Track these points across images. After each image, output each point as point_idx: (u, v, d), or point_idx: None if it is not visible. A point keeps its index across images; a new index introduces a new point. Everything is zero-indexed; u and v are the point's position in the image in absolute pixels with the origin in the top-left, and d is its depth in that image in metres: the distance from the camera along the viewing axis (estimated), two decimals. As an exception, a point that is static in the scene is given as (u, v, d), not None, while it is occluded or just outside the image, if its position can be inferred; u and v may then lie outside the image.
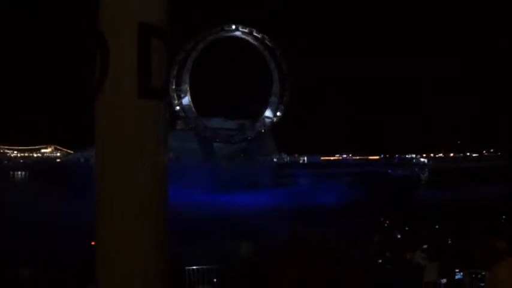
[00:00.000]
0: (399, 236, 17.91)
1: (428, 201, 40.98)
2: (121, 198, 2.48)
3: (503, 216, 24.87)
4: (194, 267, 11.83)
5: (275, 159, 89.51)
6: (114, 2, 2.50)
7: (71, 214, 24.03)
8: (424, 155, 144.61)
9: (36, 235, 20.49)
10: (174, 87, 67.72)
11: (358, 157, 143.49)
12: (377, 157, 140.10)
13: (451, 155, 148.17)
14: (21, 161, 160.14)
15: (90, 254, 2.65)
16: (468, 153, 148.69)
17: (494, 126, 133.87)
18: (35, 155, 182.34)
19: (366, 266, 9.78)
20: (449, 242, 16.59)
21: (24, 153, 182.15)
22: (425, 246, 12.31)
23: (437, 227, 23.23)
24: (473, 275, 10.54)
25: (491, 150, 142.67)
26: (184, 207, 33.76)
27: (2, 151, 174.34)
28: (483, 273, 9.77)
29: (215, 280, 11.47)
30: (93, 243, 2.61)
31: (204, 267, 11.95)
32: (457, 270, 11.38)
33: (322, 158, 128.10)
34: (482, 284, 10.08)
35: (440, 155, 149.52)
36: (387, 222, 25.72)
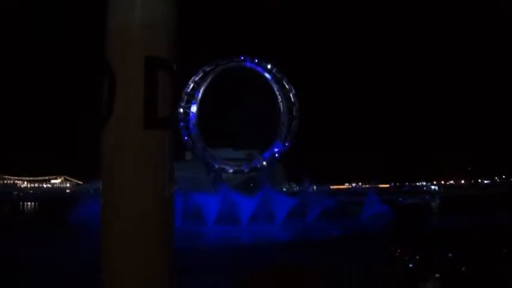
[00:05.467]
0: (411, 266, 17.53)
1: (441, 229, 40.27)
2: (126, 226, 2.48)
3: None
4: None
5: (284, 189, 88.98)
6: (121, 35, 2.54)
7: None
8: (435, 182, 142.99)
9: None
10: (182, 117, 68.20)
11: (367, 185, 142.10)
12: (387, 185, 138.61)
13: (462, 181, 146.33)
14: (30, 191, 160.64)
15: None
16: (480, 180, 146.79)
17: (506, 152, 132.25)
18: (44, 186, 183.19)
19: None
20: (463, 270, 16.20)
21: (34, 183, 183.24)
22: (437, 275, 12.07)
23: (450, 255, 22.70)
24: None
25: (503, 176, 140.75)
26: (193, 238, 33.56)
27: (12, 182, 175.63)
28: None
29: None
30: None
31: None
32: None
33: (331, 187, 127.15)
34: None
35: (451, 182, 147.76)
36: (398, 251, 25.21)
